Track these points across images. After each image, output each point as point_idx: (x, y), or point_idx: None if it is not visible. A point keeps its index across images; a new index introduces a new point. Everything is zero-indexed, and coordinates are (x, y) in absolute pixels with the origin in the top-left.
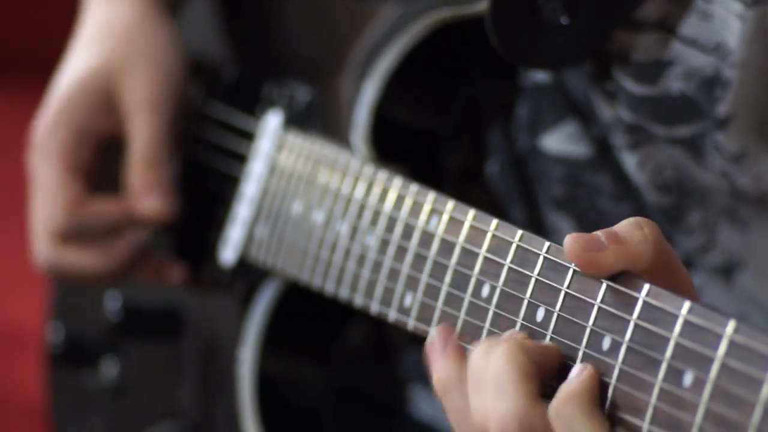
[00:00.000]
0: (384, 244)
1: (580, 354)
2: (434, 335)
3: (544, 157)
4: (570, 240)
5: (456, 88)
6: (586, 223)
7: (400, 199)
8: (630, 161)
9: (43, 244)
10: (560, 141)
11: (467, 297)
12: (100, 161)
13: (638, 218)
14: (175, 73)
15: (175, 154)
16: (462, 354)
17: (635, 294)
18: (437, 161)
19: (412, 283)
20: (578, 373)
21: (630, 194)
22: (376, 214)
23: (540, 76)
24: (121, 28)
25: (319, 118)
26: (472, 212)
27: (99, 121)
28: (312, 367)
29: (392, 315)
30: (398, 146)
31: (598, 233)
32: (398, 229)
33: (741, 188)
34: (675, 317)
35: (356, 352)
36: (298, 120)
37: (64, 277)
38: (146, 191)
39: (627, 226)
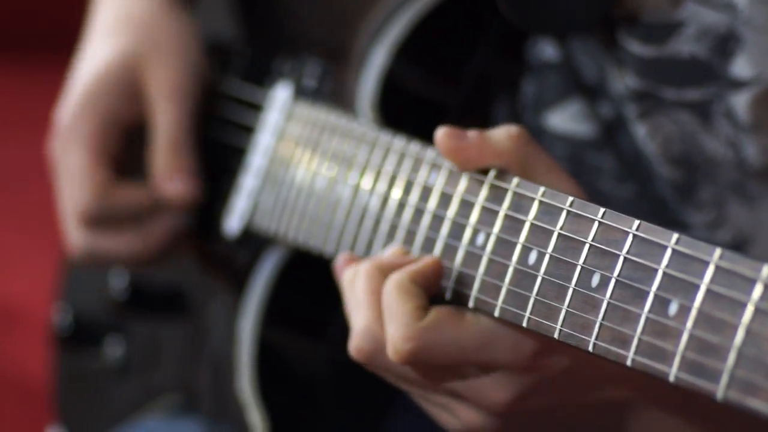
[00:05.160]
0: (400, 206)
1: (570, 292)
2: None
3: (548, 135)
4: (441, 131)
5: (465, 61)
6: None
7: (401, 159)
8: (640, 132)
9: (74, 230)
10: (565, 119)
11: (463, 246)
12: (125, 148)
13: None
14: (196, 62)
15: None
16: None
17: (626, 229)
18: None
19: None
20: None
21: (632, 175)
22: (381, 174)
23: (548, 54)
24: (140, 19)
25: (329, 89)
26: None
27: (124, 108)
28: (312, 340)
29: None
30: (404, 115)
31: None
32: (415, 192)
33: (748, 160)
34: (663, 248)
35: None
36: (308, 91)
37: (99, 262)
38: (170, 175)
39: (495, 130)
